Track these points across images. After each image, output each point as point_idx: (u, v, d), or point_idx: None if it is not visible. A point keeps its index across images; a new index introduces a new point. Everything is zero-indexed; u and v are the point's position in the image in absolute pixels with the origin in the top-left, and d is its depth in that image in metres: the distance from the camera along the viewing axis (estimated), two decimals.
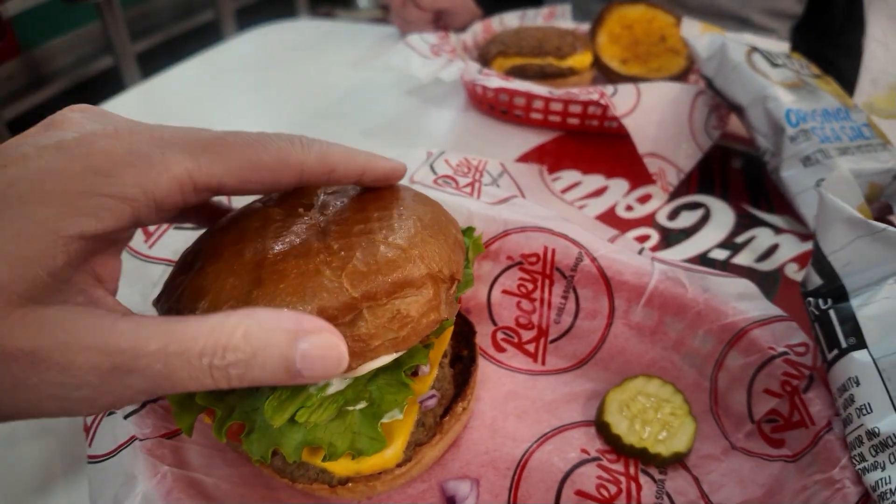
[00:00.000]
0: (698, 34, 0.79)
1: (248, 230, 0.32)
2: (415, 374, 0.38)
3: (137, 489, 0.35)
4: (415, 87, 0.97)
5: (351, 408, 0.32)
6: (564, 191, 0.73)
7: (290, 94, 1.01)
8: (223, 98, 0.99)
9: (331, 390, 0.31)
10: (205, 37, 1.19)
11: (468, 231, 0.43)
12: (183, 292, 0.31)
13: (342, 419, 0.33)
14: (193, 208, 0.37)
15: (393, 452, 0.35)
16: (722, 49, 0.74)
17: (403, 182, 0.40)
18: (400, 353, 0.30)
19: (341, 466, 0.35)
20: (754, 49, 0.74)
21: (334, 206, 0.34)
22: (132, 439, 0.38)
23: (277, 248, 0.30)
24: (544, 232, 0.50)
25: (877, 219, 0.44)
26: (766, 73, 0.72)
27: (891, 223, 0.42)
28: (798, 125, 0.68)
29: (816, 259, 0.48)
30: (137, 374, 0.23)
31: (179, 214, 0.31)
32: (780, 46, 0.81)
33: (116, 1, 2.14)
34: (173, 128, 0.28)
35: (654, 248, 0.65)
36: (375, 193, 0.35)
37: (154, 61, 1.08)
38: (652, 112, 0.71)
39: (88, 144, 0.25)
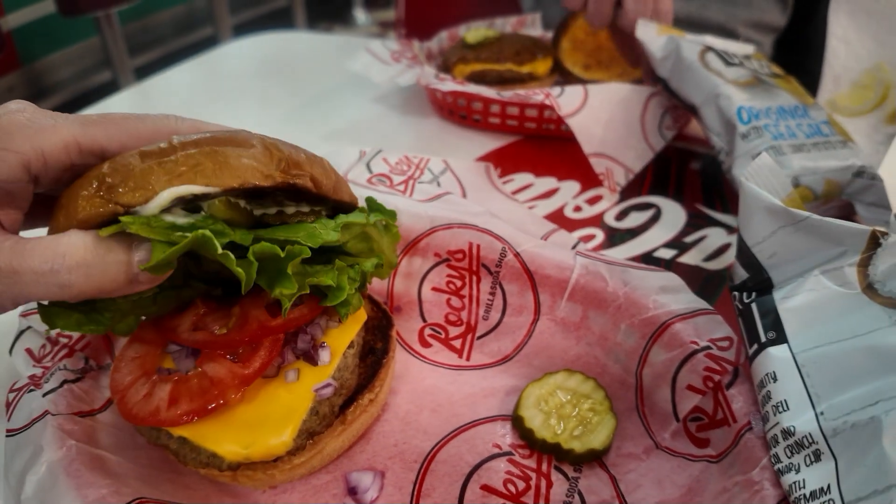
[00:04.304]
0: (654, 36, 0.78)
1: None
2: (313, 362, 0.38)
3: (42, 459, 0.36)
4: (380, 94, 0.98)
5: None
6: (515, 192, 0.73)
7: (260, 101, 1.03)
8: (205, 104, 1.01)
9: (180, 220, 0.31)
10: (203, 52, 1.21)
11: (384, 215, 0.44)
12: None
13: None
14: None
15: (282, 440, 0.35)
16: (676, 49, 0.73)
17: None
18: (208, 187, 0.31)
19: (230, 452, 0.35)
20: (709, 48, 0.73)
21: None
22: (45, 414, 0.39)
23: None
24: (469, 228, 0.50)
25: (841, 217, 0.41)
26: (719, 71, 0.71)
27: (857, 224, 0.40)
28: (750, 122, 0.67)
29: (741, 251, 0.47)
30: None
31: (74, 177, 0.35)
32: (743, 48, 0.81)
33: (115, 15, 2.19)
34: (76, 114, 0.35)
35: (597, 248, 0.65)
36: None
37: (152, 75, 1.10)
38: (599, 112, 0.71)
39: (4, 118, 0.33)
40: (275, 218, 0.35)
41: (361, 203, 0.43)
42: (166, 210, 0.31)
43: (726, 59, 0.73)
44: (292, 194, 0.35)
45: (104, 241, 0.31)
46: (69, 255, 0.30)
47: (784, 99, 0.70)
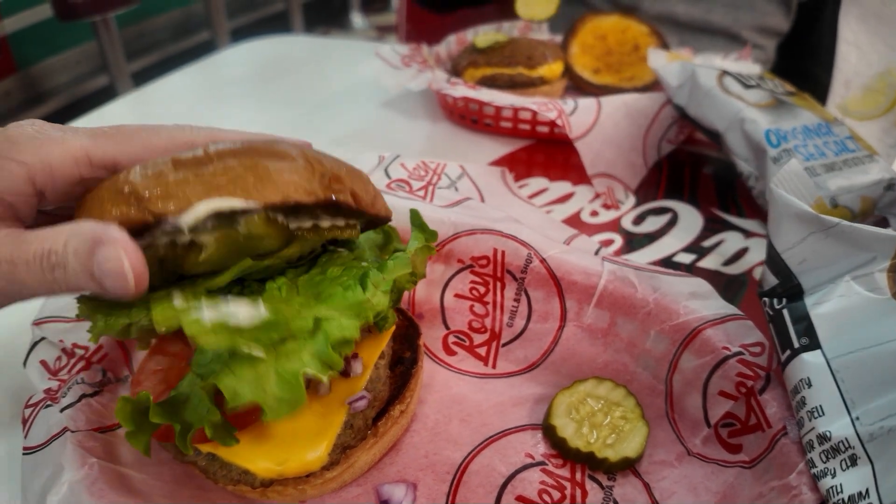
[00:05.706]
0: (665, 63, 0.77)
1: None
2: (345, 374, 0.37)
3: (63, 478, 0.35)
4: (388, 98, 0.97)
5: (248, 350, 0.30)
6: (531, 197, 0.72)
7: (265, 105, 1.02)
8: (206, 109, 1.00)
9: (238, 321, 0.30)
10: (200, 56, 1.20)
11: (421, 228, 0.43)
12: None
13: (253, 368, 0.31)
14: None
15: (317, 455, 0.34)
16: (692, 76, 0.72)
17: None
18: (248, 201, 0.29)
19: (263, 469, 0.34)
20: (725, 72, 0.72)
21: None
22: (64, 431, 0.38)
23: None
24: (493, 234, 0.49)
25: None
26: (739, 95, 0.69)
27: None
28: (780, 145, 0.65)
29: (770, 257, 0.47)
30: None
31: (85, 192, 0.34)
32: (750, 68, 0.80)
33: (112, 20, 2.18)
34: (87, 127, 0.34)
35: (617, 253, 0.64)
36: None
37: (149, 80, 1.09)
38: (608, 129, 0.71)
39: (12, 129, 0.32)
40: (309, 232, 0.34)
41: (396, 215, 0.42)
42: (199, 222, 0.29)
43: (743, 81, 0.71)
44: (330, 208, 0.34)
45: None
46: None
47: (806, 118, 0.68)
